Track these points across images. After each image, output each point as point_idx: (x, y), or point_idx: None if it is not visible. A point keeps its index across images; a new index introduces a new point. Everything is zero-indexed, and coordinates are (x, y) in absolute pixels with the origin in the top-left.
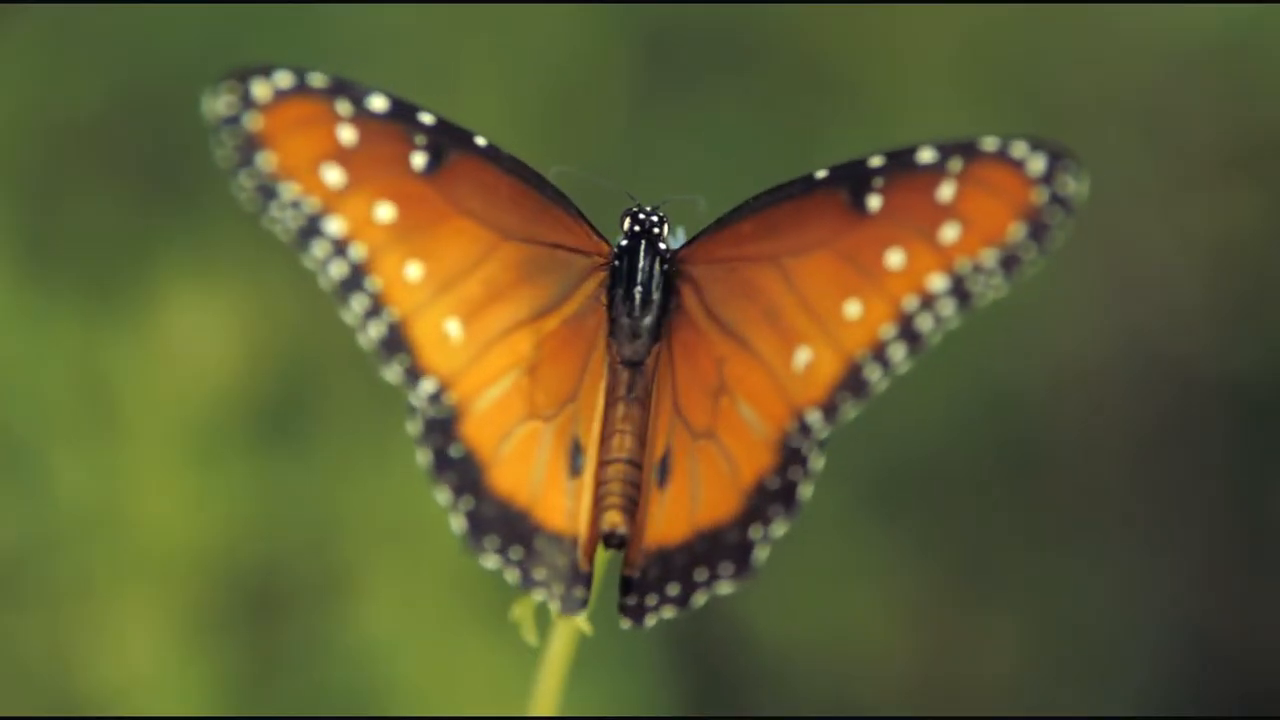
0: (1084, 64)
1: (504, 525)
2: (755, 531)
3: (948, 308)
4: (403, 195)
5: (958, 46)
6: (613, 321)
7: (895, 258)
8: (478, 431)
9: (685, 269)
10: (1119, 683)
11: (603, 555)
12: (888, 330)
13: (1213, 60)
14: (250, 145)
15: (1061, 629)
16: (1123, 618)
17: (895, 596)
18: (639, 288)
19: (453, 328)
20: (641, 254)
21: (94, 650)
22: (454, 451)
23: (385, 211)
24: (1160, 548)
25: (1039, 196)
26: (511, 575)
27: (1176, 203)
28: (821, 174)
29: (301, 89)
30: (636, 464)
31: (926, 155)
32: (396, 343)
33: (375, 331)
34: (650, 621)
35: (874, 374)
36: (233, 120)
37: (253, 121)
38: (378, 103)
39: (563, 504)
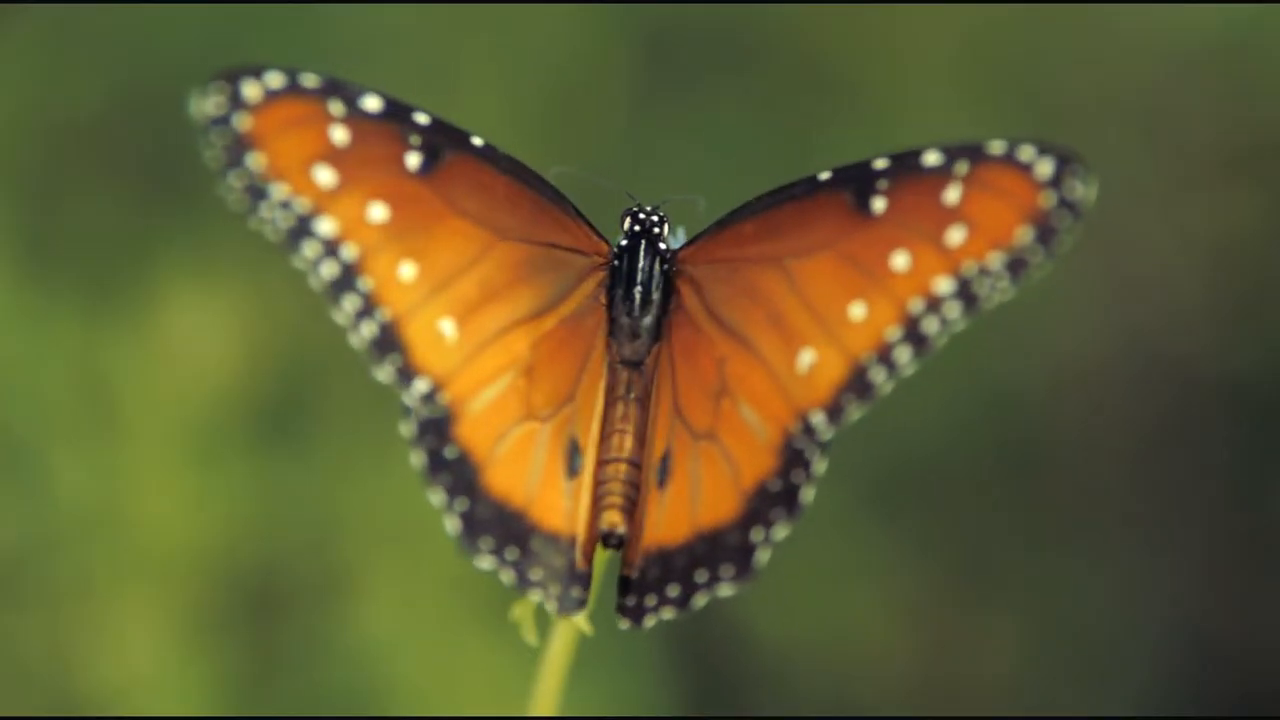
0: (1084, 64)
1: (499, 526)
2: (757, 534)
3: (954, 310)
4: (397, 195)
5: (958, 46)
6: (612, 321)
7: (900, 260)
8: (473, 432)
9: (686, 269)
10: (1119, 683)
11: (602, 555)
12: (893, 332)
13: (1213, 60)
14: (239, 145)
15: (1061, 629)
16: (1123, 618)
17: (895, 596)
18: (639, 287)
19: (447, 328)
20: (641, 254)
21: (94, 650)
22: (448, 453)
23: (378, 212)
24: (1160, 548)
25: (1047, 200)
26: (507, 576)
27: (1176, 203)
28: (825, 175)
29: (293, 89)
30: (636, 464)
31: (932, 158)
32: (389, 343)
33: (367, 331)
34: (649, 622)
35: (879, 376)
36: (221, 121)
37: (242, 122)
38: (371, 103)
39: (560, 504)
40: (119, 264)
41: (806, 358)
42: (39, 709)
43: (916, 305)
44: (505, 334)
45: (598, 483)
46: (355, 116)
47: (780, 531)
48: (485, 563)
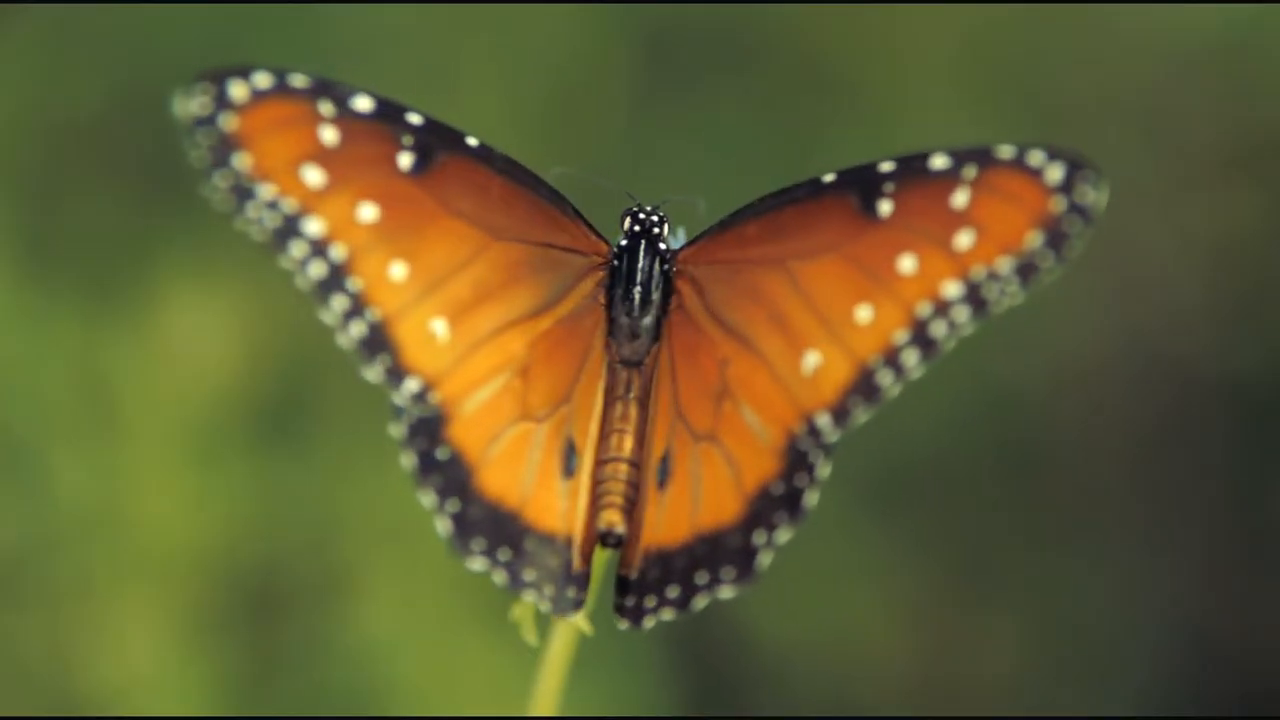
0: (1084, 64)
1: (492, 527)
2: (759, 537)
3: (962, 314)
4: (388, 195)
5: (958, 46)
6: (611, 321)
7: (907, 263)
8: (466, 434)
9: (687, 269)
10: (1119, 683)
11: (601, 555)
12: (900, 336)
13: (1213, 60)
14: (225, 146)
15: (1061, 629)
16: (1123, 618)
17: (895, 596)
18: (638, 287)
19: (439, 328)
20: (641, 254)
21: (94, 650)
22: (440, 454)
23: (368, 212)
24: (1160, 548)
25: (1057, 205)
26: (499, 577)
27: (1176, 203)
28: (829, 178)
29: (281, 89)
30: (635, 464)
31: (939, 161)
32: (378, 343)
33: (356, 331)
34: (649, 623)
35: (886, 379)
36: (207, 121)
37: (228, 122)
38: (362, 103)
39: (555, 505)
40: (119, 264)
41: (811, 360)
42: (39, 709)
43: (924, 309)
44: (500, 334)
45: (596, 482)
46: (346, 117)
47: (783, 535)
48: (477, 564)
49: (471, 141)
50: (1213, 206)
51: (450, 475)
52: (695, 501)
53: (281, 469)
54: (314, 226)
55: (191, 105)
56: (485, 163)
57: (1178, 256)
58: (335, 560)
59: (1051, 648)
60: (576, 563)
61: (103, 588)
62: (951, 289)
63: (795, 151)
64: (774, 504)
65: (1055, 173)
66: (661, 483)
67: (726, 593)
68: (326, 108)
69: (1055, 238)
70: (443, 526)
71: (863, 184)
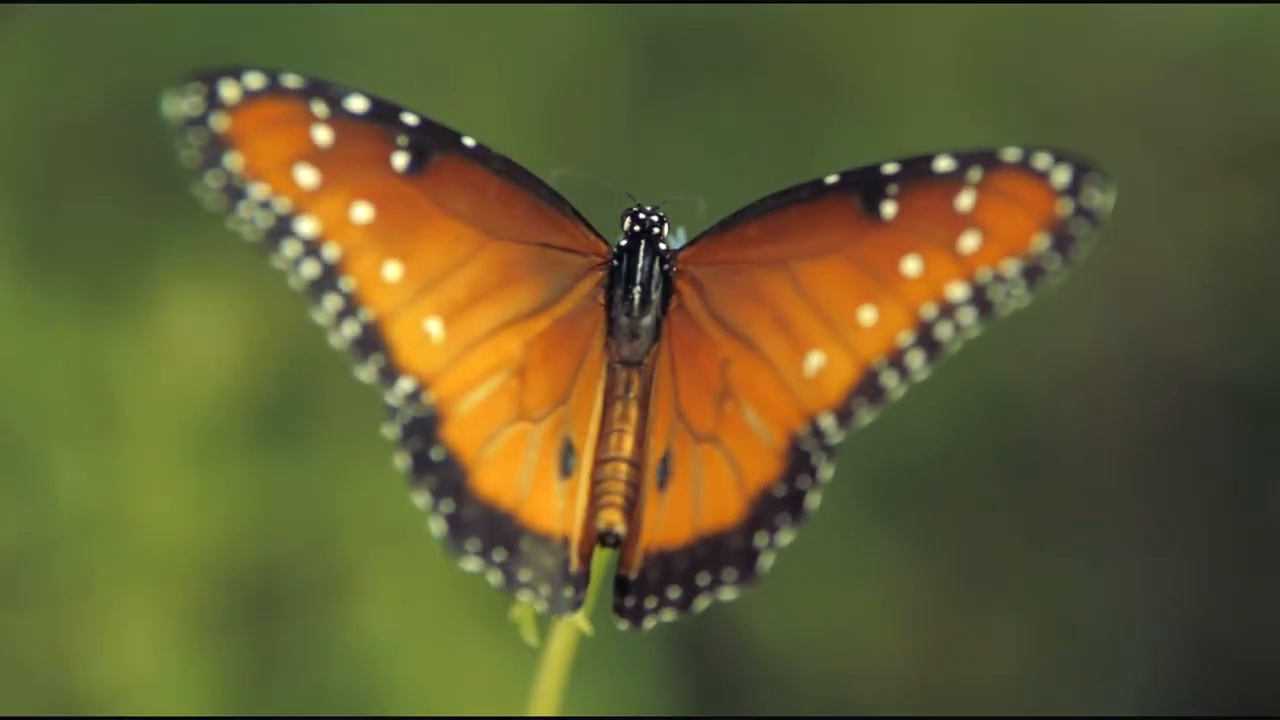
0: (1084, 64)
1: (487, 527)
2: (760, 538)
3: (968, 317)
4: (382, 196)
5: (958, 46)
6: (611, 321)
7: (912, 265)
8: (461, 433)
9: (687, 270)
10: (1119, 683)
11: (601, 555)
12: (905, 337)
13: (1213, 60)
14: (216, 146)
15: (1061, 629)
16: (1123, 618)
17: (895, 596)
18: (638, 287)
19: (434, 328)
20: (641, 254)
21: (94, 650)
22: (435, 455)
23: (362, 212)
24: (1160, 548)
25: (1064, 209)
26: (494, 577)
27: (1176, 203)
28: (832, 179)
29: (273, 89)
30: (634, 464)
31: (944, 163)
32: (372, 343)
33: (349, 331)
34: (649, 624)
35: (890, 380)
36: (198, 121)
37: (219, 122)
38: (356, 103)
39: (552, 505)
40: (119, 264)
41: (815, 361)
42: (39, 709)
43: (929, 311)
44: (496, 334)
45: (595, 482)
46: (339, 117)
47: (785, 537)
48: (472, 565)
49: (468, 142)
50: (1213, 206)
51: (445, 476)
52: (696, 502)
53: (281, 469)
54: (307, 226)
55: (182, 105)
56: (482, 163)
57: (1178, 256)
58: (335, 560)
59: (1051, 648)
60: (574, 563)
61: (103, 588)
62: (957, 291)
63: (795, 152)
64: (776, 505)
65: (1062, 176)
66: (662, 483)
67: (728, 594)
68: (320, 108)
69: (1062, 241)
70: (437, 527)
71: (866, 185)
